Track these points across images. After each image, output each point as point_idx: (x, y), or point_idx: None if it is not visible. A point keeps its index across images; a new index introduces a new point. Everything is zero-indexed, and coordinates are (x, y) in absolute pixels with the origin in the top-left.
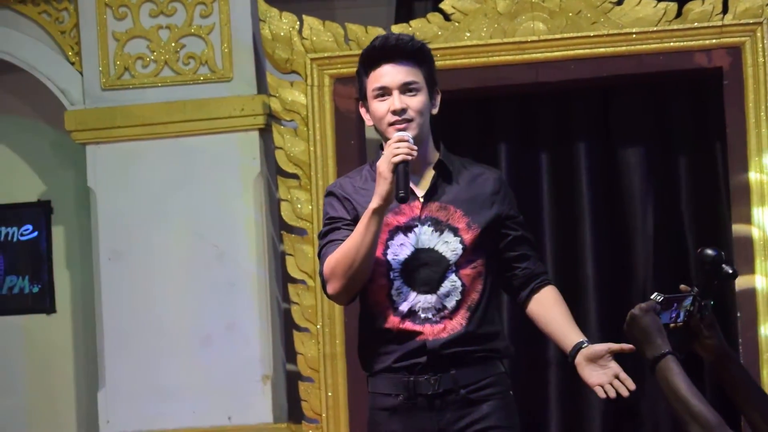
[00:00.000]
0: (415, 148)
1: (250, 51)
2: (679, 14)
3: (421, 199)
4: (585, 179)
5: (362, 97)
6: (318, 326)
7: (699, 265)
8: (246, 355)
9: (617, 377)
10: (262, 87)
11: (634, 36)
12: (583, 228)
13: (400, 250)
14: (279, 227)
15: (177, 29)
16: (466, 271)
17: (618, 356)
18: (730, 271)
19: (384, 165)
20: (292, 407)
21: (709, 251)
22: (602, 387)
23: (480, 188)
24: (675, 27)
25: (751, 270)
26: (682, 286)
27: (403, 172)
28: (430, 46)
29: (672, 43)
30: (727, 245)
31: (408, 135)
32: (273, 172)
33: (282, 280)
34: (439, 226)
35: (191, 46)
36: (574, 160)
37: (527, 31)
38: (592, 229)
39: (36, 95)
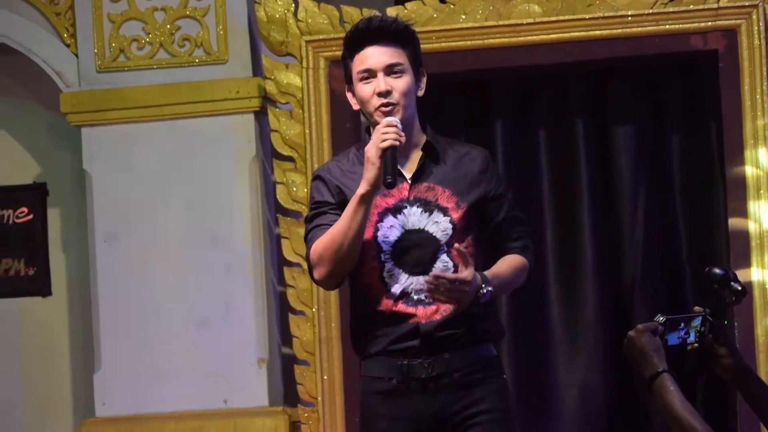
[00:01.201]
0: (403, 134)
1: (245, 33)
2: None
3: (409, 181)
4: (582, 161)
5: (348, 81)
6: (313, 309)
7: (707, 284)
8: (241, 338)
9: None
10: (257, 69)
11: (629, 18)
12: (581, 209)
13: (390, 231)
14: (274, 210)
15: (172, 11)
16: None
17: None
18: (739, 288)
19: (372, 150)
20: (287, 391)
21: (717, 270)
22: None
23: (467, 167)
24: (670, 9)
25: (747, 262)
26: (696, 308)
27: (391, 157)
28: (426, 28)
29: (667, 26)
30: (719, 230)
31: (396, 120)
32: (268, 154)
33: (277, 263)
34: (428, 206)
35: (186, 28)
36: (571, 143)
37: (523, 13)
38: (590, 210)
39: (31, 77)
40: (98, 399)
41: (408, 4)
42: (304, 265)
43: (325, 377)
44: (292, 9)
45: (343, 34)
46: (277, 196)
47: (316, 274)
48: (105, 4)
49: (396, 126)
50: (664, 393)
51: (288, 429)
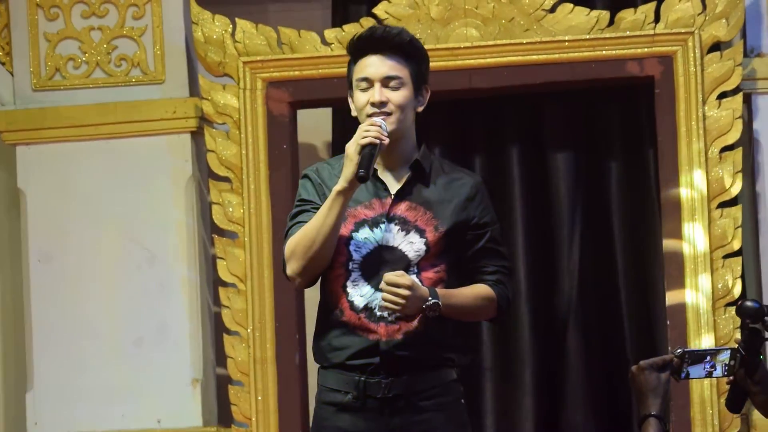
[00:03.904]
0: (386, 135)
1: (182, 53)
2: (611, 23)
3: (392, 197)
4: (517, 186)
5: (349, 86)
6: (248, 330)
7: (740, 318)
8: (176, 358)
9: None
10: (194, 90)
11: (566, 44)
12: (515, 234)
13: (363, 243)
14: (210, 230)
15: (109, 30)
16: (428, 275)
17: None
18: None
19: (352, 147)
20: (221, 411)
21: (749, 303)
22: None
23: (455, 192)
24: (607, 35)
25: (681, 284)
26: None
27: (369, 154)
28: None
29: (604, 52)
30: (656, 254)
31: (381, 121)
32: (205, 175)
33: (213, 283)
34: (406, 225)
35: (123, 48)
36: (507, 167)
37: (460, 37)
38: (525, 236)
39: None
40: (30, 418)
41: (345, 26)
42: (240, 285)
43: (260, 398)
44: (230, 30)
45: (280, 56)
46: (213, 217)
47: (289, 270)
48: (41, 23)
49: (379, 126)
50: None
51: None
